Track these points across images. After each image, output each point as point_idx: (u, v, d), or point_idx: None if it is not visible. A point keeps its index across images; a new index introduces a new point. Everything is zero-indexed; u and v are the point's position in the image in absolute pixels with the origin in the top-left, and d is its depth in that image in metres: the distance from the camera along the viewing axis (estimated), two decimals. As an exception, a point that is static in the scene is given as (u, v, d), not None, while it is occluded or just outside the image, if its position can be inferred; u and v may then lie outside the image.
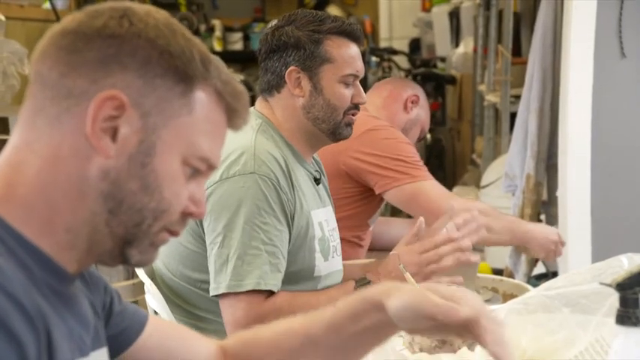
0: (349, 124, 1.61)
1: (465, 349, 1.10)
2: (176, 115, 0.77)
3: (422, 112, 2.30)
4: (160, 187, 0.77)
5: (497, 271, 3.22)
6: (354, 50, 1.60)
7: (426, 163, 2.42)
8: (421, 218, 1.59)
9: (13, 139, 0.78)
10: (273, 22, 1.63)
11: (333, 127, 1.59)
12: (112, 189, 0.76)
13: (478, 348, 1.06)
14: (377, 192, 2.01)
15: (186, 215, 0.81)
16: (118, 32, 0.76)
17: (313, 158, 1.69)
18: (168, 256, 1.58)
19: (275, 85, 1.60)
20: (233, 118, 0.82)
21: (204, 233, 1.50)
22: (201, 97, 0.78)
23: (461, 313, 0.81)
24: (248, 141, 1.51)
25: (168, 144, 0.77)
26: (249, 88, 5.18)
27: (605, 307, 0.98)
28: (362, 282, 1.54)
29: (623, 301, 0.83)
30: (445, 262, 1.51)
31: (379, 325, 0.89)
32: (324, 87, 1.57)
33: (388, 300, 0.86)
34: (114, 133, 0.75)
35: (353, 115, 1.61)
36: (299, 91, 1.58)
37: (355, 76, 1.60)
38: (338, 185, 1.95)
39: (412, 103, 2.27)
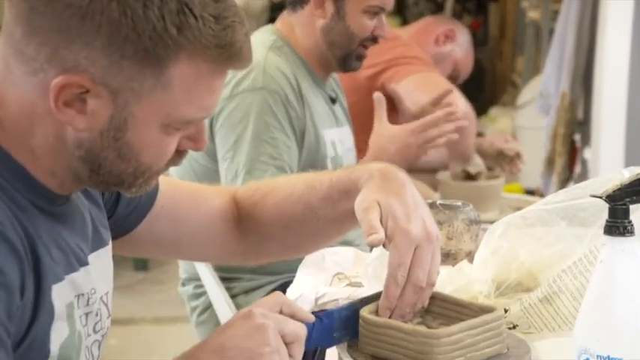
0: (360, 57, 1.60)
1: (464, 262, 1.12)
2: (149, 93, 0.73)
3: (457, 50, 2.27)
4: (137, 155, 0.76)
5: (530, 192, 3.20)
6: None
7: (465, 84, 2.39)
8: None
9: None
10: None
11: (345, 56, 1.58)
12: (88, 155, 0.76)
13: (475, 260, 1.08)
14: (389, 87, 1.99)
15: (182, 152, 0.80)
16: (79, 3, 0.71)
17: (332, 77, 1.69)
18: (182, 173, 1.62)
19: (299, 1, 1.59)
20: (231, 62, 0.76)
21: (215, 149, 1.54)
22: (178, 72, 0.73)
23: (368, 240, 0.83)
24: (258, 57, 1.52)
25: (142, 119, 0.74)
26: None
27: (601, 219, 0.98)
28: None
29: (612, 212, 0.83)
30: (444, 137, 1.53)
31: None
32: (347, 13, 1.56)
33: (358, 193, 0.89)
34: (83, 105, 0.73)
35: (366, 47, 1.59)
36: (321, 12, 1.57)
37: (381, 8, 1.58)
38: (356, 99, 1.94)
39: (446, 37, 2.24)
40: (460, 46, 2.27)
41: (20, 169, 0.76)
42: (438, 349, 0.74)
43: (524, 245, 1.04)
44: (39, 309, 0.73)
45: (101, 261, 0.85)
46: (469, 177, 2.05)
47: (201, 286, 1.61)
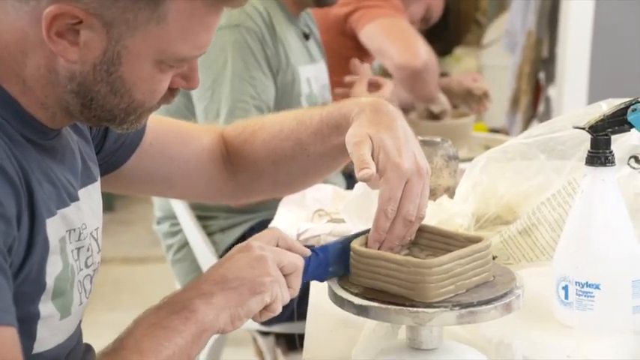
0: None
1: (444, 197, 1.13)
2: (143, 26, 0.72)
3: None
4: (129, 90, 0.75)
5: (494, 130, 3.24)
6: None
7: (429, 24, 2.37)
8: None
9: None
10: None
11: None
12: (80, 89, 0.74)
13: (456, 194, 1.09)
14: (357, 32, 1.98)
15: (174, 90, 0.79)
16: None
17: (306, 12, 1.66)
18: (156, 112, 1.59)
19: None
20: (223, 2, 0.75)
21: None
22: (174, 6, 0.72)
23: (359, 174, 0.83)
24: None
25: (136, 53, 0.73)
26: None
27: (580, 151, 1.00)
28: None
29: (594, 143, 0.84)
30: None
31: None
32: None
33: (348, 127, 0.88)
34: (75, 37, 0.72)
35: None
36: None
37: None
38: (329, 38, 1.92)
39: None
40: None
41: (11, 101, 0.74)
42: (430, 277, 0.75)
43: (503, 179, 1.06)
44: (34, 242, 0.72)
45: (90, 197, 0.84)
46: (433, 116, 2.07)
47: (177, 224, 1.61)
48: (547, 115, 3.02)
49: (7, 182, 0.69)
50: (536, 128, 1.07)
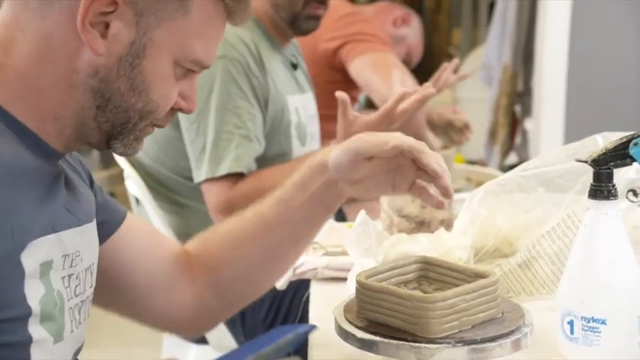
0: (312, 18, 1.55)
1: (442, 229, 1.13)
2: (170, 17, 0.76)
3: (411, 34, 2.30)
4: (147, 88, 0.77)
5: (472, 162, 3.27)
6: None
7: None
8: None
9: (3, 12, 0.76)
10: None
11: (292, 18, 1.54)
12: (100, 86, 0.75)
13: (455, 227, 1.09)
14: (346, 66, 2.00)
15: (174, 110, 0.81)
16: None
17: (292, 44, 1.66)
18: (146, 143, 1.57)
19: None
20: (232, 17, 0.80)
21: (178, 119, 1.50)
22: (198, 1, 0.76)
23: (390, 142, 0.85)
24: None
25: (159, 46, 0.76)
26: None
27: (578, 184, 1.01)
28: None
29: (597, 176, 0.85)
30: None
31: (324, 189, 0.91)
32: None
33: (328, 155, 0.89)
34: (105, 30, 0.74)
35: (318, 7, 1.55)
36: None
37: None
38: (317, 72, 1.94)
39: (402, 20, 2.28)
40: (414, 31, 2.31)
41: (20, 124, 0.74)
42: (433, 312, 0.74)
43: (502, 212, 1.06)
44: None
45: (90, 233, 0.83)
46: None
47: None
48: (524, 148, 3.06)
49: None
50: (533, 161, 1.07)
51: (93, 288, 0.83)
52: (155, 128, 0.82)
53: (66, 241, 0.76)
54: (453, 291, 0.77)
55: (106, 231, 0.91)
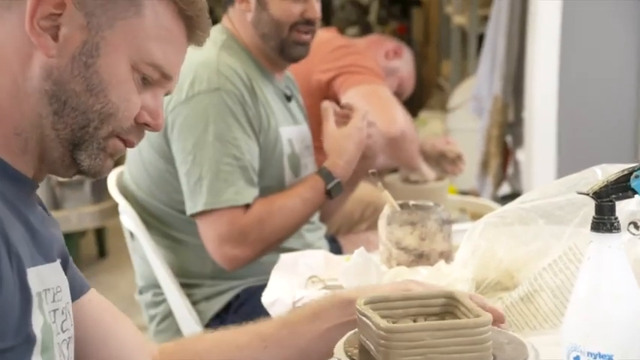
0: (299, 43, 1.55)
1: (442, 262, 1.12)
2: (122, 17, 0.75)
3: (402, 67, 2.33)
4: (105, 89, 0.76)
5: (464, 193, 3.28)
6: None
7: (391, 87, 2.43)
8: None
9: None
10: None
11: (279, 45, 1.54)
12: (55, 89, 0.75)
13: (455, 259, 1.08)
14: (339, 97, 2.01)
15: (141, 125, 0.79)
16: None
17: (287, 76, 1.67)
18: (139, 177, 1.57)
19: None
20: (191, 28, 0.79)
21: (172, 154, 1.50)
22: (149, 2, 0.76)
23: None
24: (211, 57, 1.49)
25: (113, 45, 0.75)
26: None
27: (578, 217, 1.01)
28: (322, 171, 1.52)
29: (599, 209, 0.84)
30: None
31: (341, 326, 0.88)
32: (268, 2, 1.53)
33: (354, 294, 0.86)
34: (55, 32, 0.74)
35: (305, 32, 1.55)
36: (245, 6, 1.55)
37: None
38: (312, 103, 1.94)
39: (394, 53, 2.31)
40: (406, 64, 2.35)
41: None
42: (391, 343, 0.73)
43: (502, 244, 1.05)
44: (15, 287, 0.69)
45: (59, 272, 0.80)
46: (411, 181, 2.09)
47: (161, 293, 1.56)
48: (516, 178, 3.07)
49: None
50: (532, 193, 1.07)
51: (73, 327, 0.81)
52: (132, 151, 0.81)
53: (44, 276, 0.75)
54: (419, 324, 0.76)
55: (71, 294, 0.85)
